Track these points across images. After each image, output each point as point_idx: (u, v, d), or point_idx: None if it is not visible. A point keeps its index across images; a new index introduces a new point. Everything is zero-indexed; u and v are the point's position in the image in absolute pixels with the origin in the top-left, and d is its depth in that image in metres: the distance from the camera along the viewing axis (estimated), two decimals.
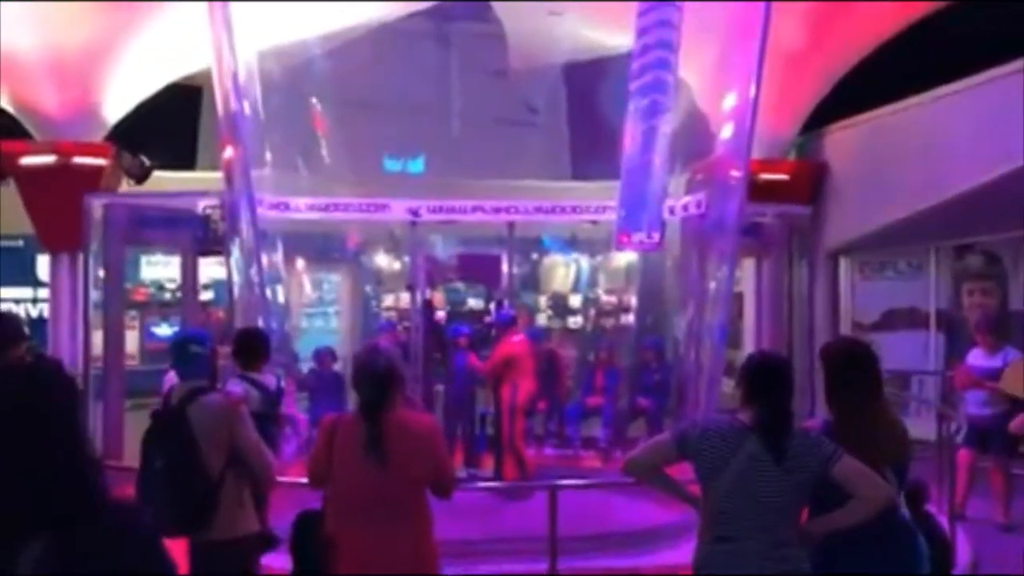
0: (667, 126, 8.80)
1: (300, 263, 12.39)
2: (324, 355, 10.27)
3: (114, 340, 8.52)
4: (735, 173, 7.89)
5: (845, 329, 11.81)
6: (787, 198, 10.69)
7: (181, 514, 3.91)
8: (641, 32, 8.85)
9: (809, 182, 11.59)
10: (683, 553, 6.55)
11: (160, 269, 15.25)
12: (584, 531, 6.03)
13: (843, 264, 12.00)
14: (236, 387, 4.67)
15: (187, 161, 15.44)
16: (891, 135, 10.78)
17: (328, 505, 3.50)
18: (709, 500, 3.11)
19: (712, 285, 7.80)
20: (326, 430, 3.50)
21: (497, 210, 9.36)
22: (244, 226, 7.67)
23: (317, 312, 14.56)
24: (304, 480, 3.73)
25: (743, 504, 3.04)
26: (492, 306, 11.01)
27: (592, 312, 14.51)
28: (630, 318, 13.55)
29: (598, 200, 10.36)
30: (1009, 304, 10.50)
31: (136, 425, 4.18)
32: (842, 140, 11.71)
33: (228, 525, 3.99)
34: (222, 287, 12.45)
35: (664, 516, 6.72)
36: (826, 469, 3.00)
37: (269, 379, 5.21)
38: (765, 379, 3.15)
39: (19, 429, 1.83)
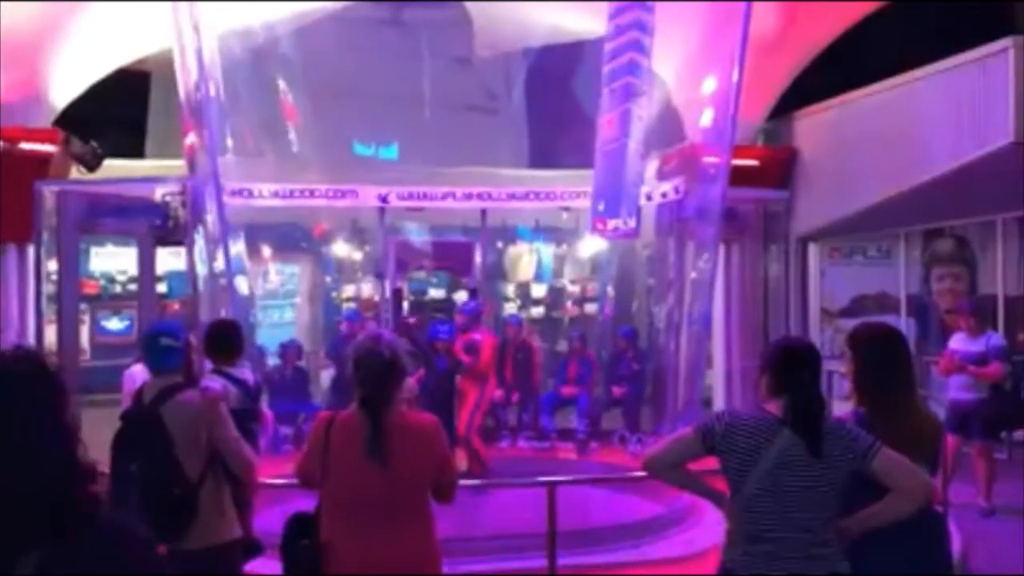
0: (641, 110, 8.64)
1: (263, 252, 12.03)
2: (289, 350, 9.96)
3: (69, 335, 8.11)
4: (715, 159, 7.75)
5: (814, 316, 11.77)
6: (757, 184, 10.60)
7: (158, 522, 3.62)
8: (615, 13, 8.68)
9: (779, 168, 11.49)
10: (671, 546, 6.49)
11: (110, 260, 14.68)
12: (572, 526, 5.83)
13: (812, 250, 11.94)
14: (214, 383, 4.37)
15: (136, 149, 14.89)
16: (861, 120, 10.72)
17: (323, 508, 3.24)
18: (738, 497, 2.91)
19: (693, 273, 7.64)
20: (321, 429, 3.23)
21: (469, 196, 9.13)
22: (210, 214, 7.33)
23: (275, 304, 14.15)
24: (285, 481, 3.47)
25: (776, 501, 2.84)
26: (465, 295, 10.76)
27: (557, 301, 14.35)
28: (594, 307, 13.45)
29: (567, 188, 10.21)
30: (979, 288, 10.53)
31: (91, 424, 3.85)
32: (811, 125, 11.62)
33: (209, 532, 3.72)
34: (177, 279, 12.05)
35: (651, 509, 6.58)
36: (865, 462, 2.82)
37: (246, 373, 4.91)
38: (793, 367, 2.95)
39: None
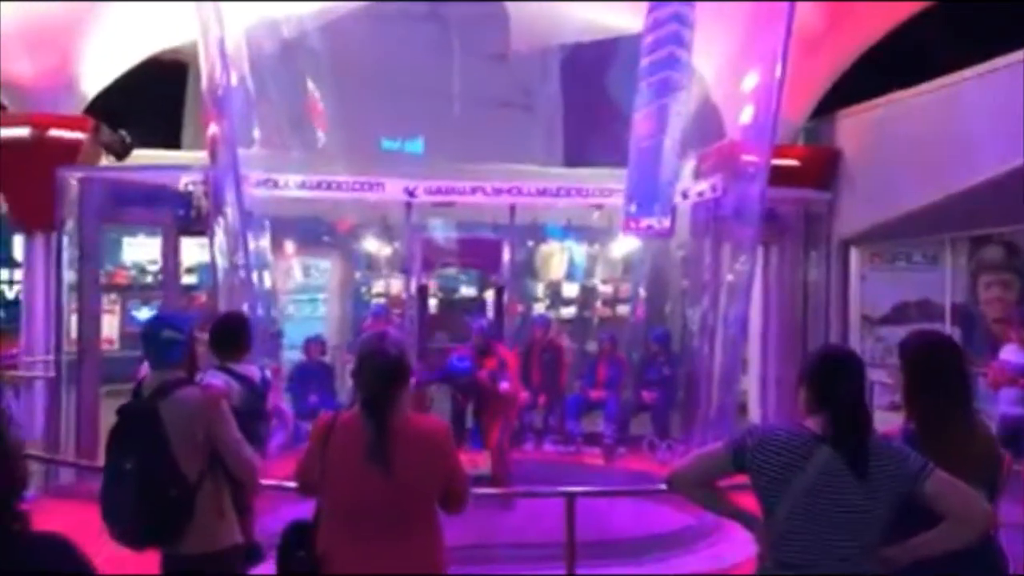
0: (680, 106, 8.36)
1: (289, 247, 11.91)
2: (313, 345, 9.80)
3: (89, 324, 7.99)
4: (755, 158, 7.45)
5: (855, 323, 11.40)
6: (797, 185, 10.28)
7: (153, 524, 3.43)
8: (655, 7, 8.41)
9: (821, 168, 11.17)
10: (698, 561, 6.21)
11: (142, 251, 14.73)
12: (594, 537, 5.59)
13: (853, 254, 11.56)
14: (216, 380, 4.17)
15: (172, 140, 14.89)
16: (906, 121, 10.35)
17: (321, 516, 3.01)
18: (772, 520, 2.64)
19: (730, 276, 7.34)
20: (321, 431, 3.00)
21: (499, 191, 8.90)
22: (229, 205, 7.18)
23: (304, 299, 14.06)
24: (292, 484, 3.25)
25: (814, 525, 2.57)
26: (491, 293, 10.52)
27: (589, 301, 14.11)
28: (626, 308, 13.17)
29: (600, 185, 9.95)
30: None
31: (113, 413, 3.69)
32: (854, 126, 11.27)
33: (207, 536, 3.51)
34: (206, 270, 11.96)
35: (678, 520, 6.30)
36: (915, 485, 2.53)
37: (253, 371, 4.69)
38: (836, 378, 2.67)
39: None
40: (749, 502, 2.80)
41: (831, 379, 2.66)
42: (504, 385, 7.83)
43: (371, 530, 2.89)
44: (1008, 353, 7.02)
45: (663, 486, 4.52)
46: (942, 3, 10.58)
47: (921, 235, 11.04)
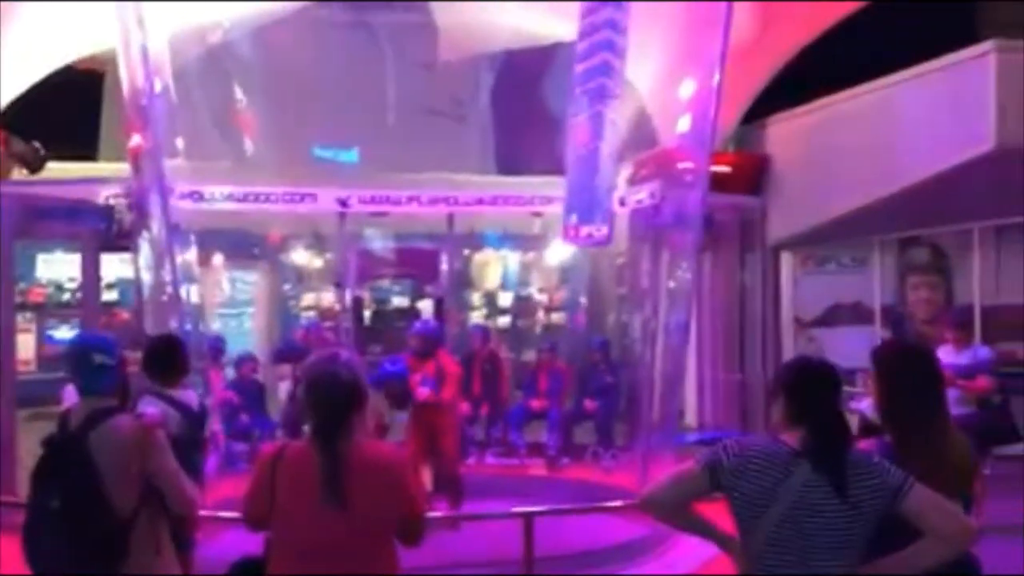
0: (615, 113, 8.33)
1: (216, 260, 11.54)
2: (245, 363, 9.48)
3: (5, 346, 7.55)
4: (693, 164, 7.45)
5: (787, 325, 11.53)
6: (729, 191, 10.35)
7: (83, 565, 3.18)
8: (587, 12, 8.37)
9: (751, 175, 11.26)
10: (653, 569, 6.14)
11: (59, 267, 14.09)
12: (547, 551, 5.46)
13: (785, 258, 11.71)
14: (151, 407, 3.91)
15: (88, 151, 14.31)
16: (835, 126, 10.50)
17: (272, 552, 2.81)
18: (751, 541, 2.54)
19: (671, 282, 7.31)
20: (267, 463, 2.79)
21: (435, 201, 8.74)
22: (154, 219, 6.86)
23: (231, 313, 13.65)
24: (229, 514, 3.04)
25: (794, 545, 2.48)
26: (429, 303, 10.35)
27: (524, 311, 14.02)
28: (561, 316, 13.12)
29: (537, 193, 9.88)
30: (955, 298, 10.33)
31: (33, 439, 3.42)
32: (783, 131, 11.40)
33: (142, 572, 3.27)
34: (128, 286, 11.50)
35: (631, 530, 6.22)
36: (896, 501, 2.46)
37: (190, 396, 4.42)
38: (813, 391, 2.59)
39: None
40: (711, 512, 2.71)
41: (810, 392, 2.58)
42: (424, 391, 7.08)
43: (326, 567, 2.70)
44: (944, 354, 7.09)
45: (616, 502, 4.44)
46: (870, 8, 10.77)
47: (850, 238, 11.23)
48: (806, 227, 10.93)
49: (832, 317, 11.43)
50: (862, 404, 3.11)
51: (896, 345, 3.12)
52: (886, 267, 11.06)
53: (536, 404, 9.64)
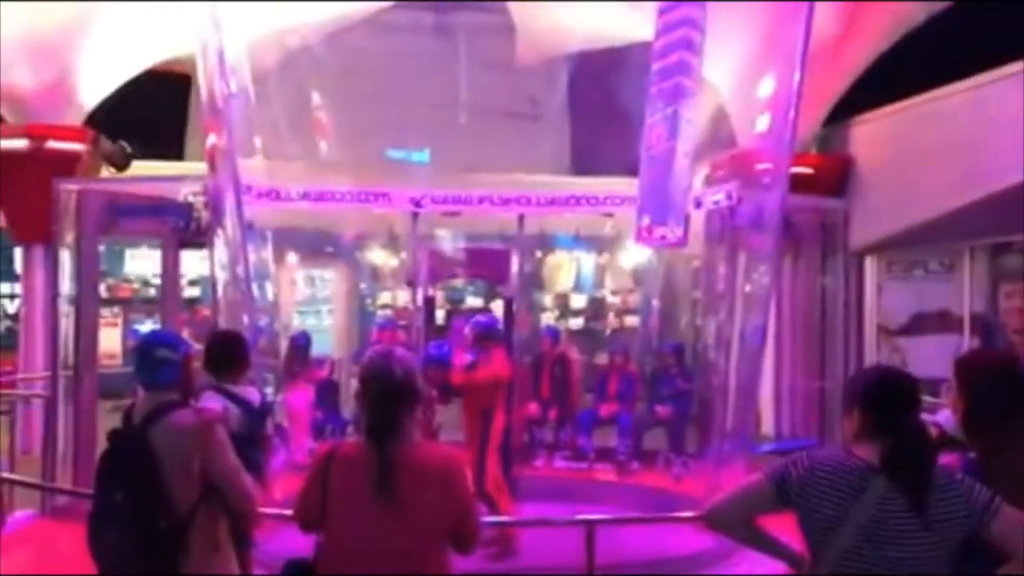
0: (691, 112, 8.14)
1: (292, 258, 11.71)
2: (320, 361, 9.58)
3: (87, 340, 7.77)
4: (772, 165, 7.23)
5: (870, 334, 11.15)
6: (811, 193, 10.05)
7: (142, 559, 3.20)
8: (664, 9, 8.20)
9: (835, 177, 10.95)
10: None
11: (145, 263, 14.54)
12: (610, 559, 5.34)
13: (868, 264, 11.32)
14: (213, 403, 3.93)
15: (175, 151, 14.72)
16: (923, 127, 10.12)
17: (322, 555, 2.77)
18: (822, 561, 2.39)
19: (747, 286, 7.10)
20: (320, 462, 2.76)
21: (507, 201, 8.68)
22: (229, 217, 6.97)
23: (309, 311, 13.87)
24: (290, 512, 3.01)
25: (868, 565, 2.33)
26: (500, 304, 10.29)
27: (598, 313, 13.89)
28: (635, 319, 12.94)
29: (611, 193, 9.74)
30: None
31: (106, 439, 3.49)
32: (869, 132, 11.05)
33: (201, 571, 3.28)
34: (209, 283, 11.76)
35: (698, 542, 6.05)
36: (981, 522, 2.29)
37: (252, 393, 4.44)
38: (893, 403, 2.43)
39: None
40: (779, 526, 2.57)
41: (890, 404, 2.42)
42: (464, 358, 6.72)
43: (377, 569, 2.65)
44: None
45: (687, 513, 4.30)
46: (958, 6, 10.37)
47: (938, 243, 10.80)
48: (891, 231, 10.57)
49: (917, 325, 11.01)
50: (939, 416, 2.92)
51: (982, 354, 2.93)
52: (976, 274, 10.60)
53: (605, 410, 9.48)
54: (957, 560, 2.34)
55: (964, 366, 2.78)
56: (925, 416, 2.49)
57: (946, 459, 2.60)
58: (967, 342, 10.33)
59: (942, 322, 10.83)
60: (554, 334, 10.19)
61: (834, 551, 2.36)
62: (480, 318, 7.36)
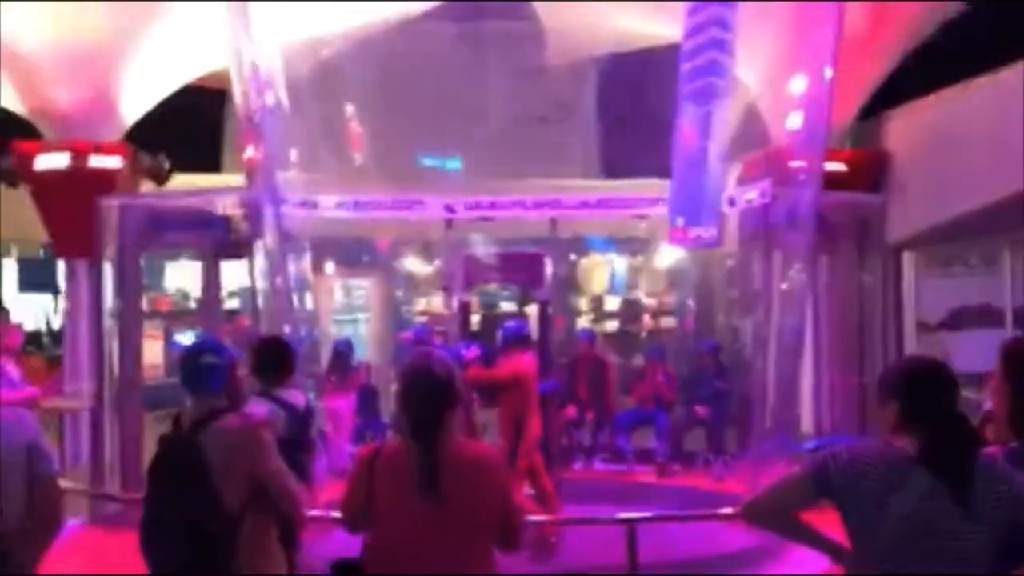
0: (723, 112, 8.14)
1: (329, 268, 11.85)
2: (359, 367, 9.69)
3: (131, 352, 7.93)
4: (806, 162, 7.21)
5: (909, 330, 11.01)
6: (846, 189, 9.97)
7: (193, 560, 3.28)
8: (693, 11, 8.21)
9: (869, 172, 10.80)
10: None
11: (186, 276, 14.76)
12: (654, 558, 5.35)
13: (906, 259, 11.18)
14: (259, 408, 4.01)
15: (212, 164, 14.95)
16: (958, 119, 9.97)
17: (369, 555, 2.83)
18: (864, 552, 2.40)
19: (783, 284, 7.08)
20: (365, 463, 2.82)
21: (539, 205, 8.73)
22: (268, 228, 7.09)
23: (347, 319, 14.02)
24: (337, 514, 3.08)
25: (911, 557, 2.33)
26: (534, 308, 10.35)
27: (632, 315, 13.87)
28: (670, 321, 12.91)
29: (643, 194, 9.75)
30: None
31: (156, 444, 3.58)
32: (903, 126, 10.91)
33: (251, 573, 3.34)
34: (249, 294, 11.93)
35: (742, 539, 6.04)
36: None
37: (297, 397, 4.52)
38: (934, 392, 2.43)
39: None
40: (823, 523, 2.57)
41: (928, 392, 2.42)
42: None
43: (424, 567, 2.70)
44: None
45: (726, 510, 4.30)
46: None
47: (978, 237, 10.64)
48: (929, 226, 10.42)
49: (957, 320, 10.85)
50: (987, 405, 2.88)
51: None
52: (1017, 267, 10.43)
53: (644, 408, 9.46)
54: (1006, 550, 2.33)
55: (1011, 351, 2.74)
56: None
57: (990, 450, 2.59)
58: (1010, 336, 10.17)
59: (983, 317, 10.66)
60: (590, 337, 10.22)
61: (876, 542, 2.36)
62: (510, 323, 7.45)
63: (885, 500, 2.35)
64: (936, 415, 2.39)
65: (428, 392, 2.75)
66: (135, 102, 10.46)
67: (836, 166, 10.44)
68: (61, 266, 11.79)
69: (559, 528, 6.41)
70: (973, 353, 10.09)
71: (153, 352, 12.86)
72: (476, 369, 6.78)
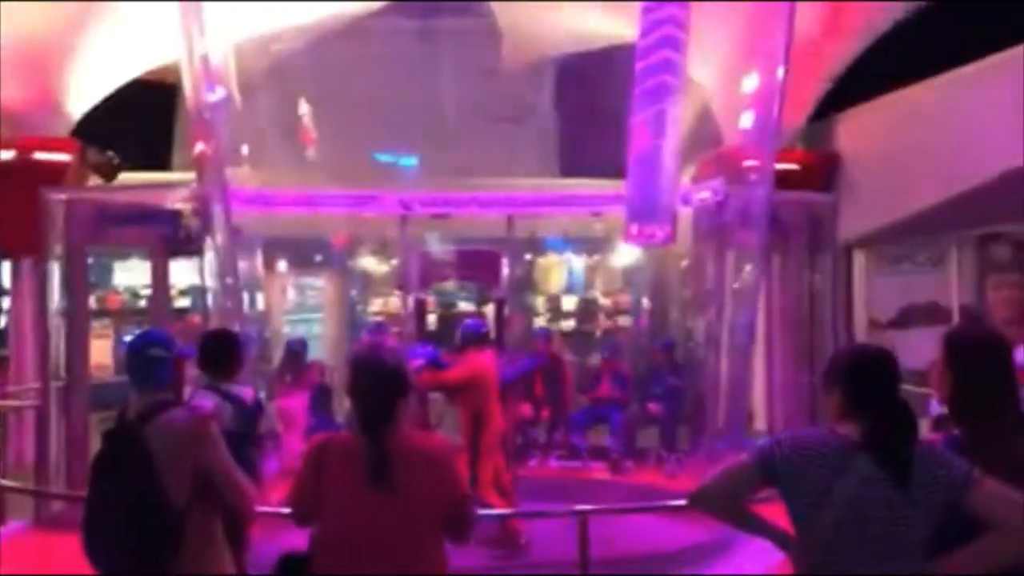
0: (677, 110, 8.19)
1: (282, 267, 11.72)
2: (312, 367, 9.59)
3: (78, 351, 7.76)
4: (757, 162, 7.29)
5: (860, 328, 11.19)
6: (798, 189, 10.11)
7: (138, 556, 3.21)
8: (647, 10, 8.25)
9: (821, 172, 11.00)
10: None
11: (134, 274, 14.49)
12: (606, 554, 5.36)
13: (857, 258, 11.38)
14: (205, 401, 3.95)
15: (162, 161, 14.71)
16: (908, 121, 10.18)
17: (318, 547, 2.79)
18: (808, 538, 2.42)
19: (735, 283, 7.15)
20: (314, 454, 2.78)
21: (495, 202, 8.72)
22: (218, 225, 6.98)
23: (300, 319, 13.87)
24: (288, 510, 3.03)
25: (855, 542, 2.36)
26: (491, 307, 10.35)
27: (589, 314, 13.93)
28: (627, 320, 12.99)
29: (598, 192, 9.79)
30: None
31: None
32: (854, 127, 11.11)
33: (197, 569, 3.28)
34: (200, 292, 11.76)
35: (691, 535, 6.09)
36: (961, 494, 2.32)
37: (245, 391, 4.46)
38: (875, 378, 2.46)
39: None
40: (772, 512, 2.60)
41: (870, 379, 2.46)
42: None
43: (372, 560, 2.67)
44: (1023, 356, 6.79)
45: (677, 502, 4.32)
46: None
47: (926, 236, 10.86)
48: (879, 225, 10.62)
49: (906, 318, 11.07)
50: (934, 406, 2.93)
51: (972, 330, 2.94)
52: (964, 266, 10.67)
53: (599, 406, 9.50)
54: (948, 534, 2.36)
55: (954, 340, 2.79)
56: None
57: (930, 437, 2.63)
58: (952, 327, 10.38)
59: (931, 314, 10.89)
60: (547, 335, 10.23)
61: (820, 528, 2.38)
62: (468, 321, 7.42)
63: (829, 486, 2.38)
64: (879, 402, 2.42)
65: (378, 383, 2.73)
66: (82, 97, 10.27)
67: (788, 166, 10.60)
68: (6, 265, 11.54)
69: (526, 530, 6.40)
70: (921, 350, 10.29)
71: (101, 351, 12.62)
72: (426, 375, 6.61)
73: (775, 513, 2.59)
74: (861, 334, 11.17)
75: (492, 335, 8.37)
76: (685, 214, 8.75)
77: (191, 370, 4.32)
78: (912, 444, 2.38)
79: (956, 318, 10.52)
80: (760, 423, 10.62)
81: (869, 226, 10.74)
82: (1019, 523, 2.32)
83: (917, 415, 2.47)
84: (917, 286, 11.22)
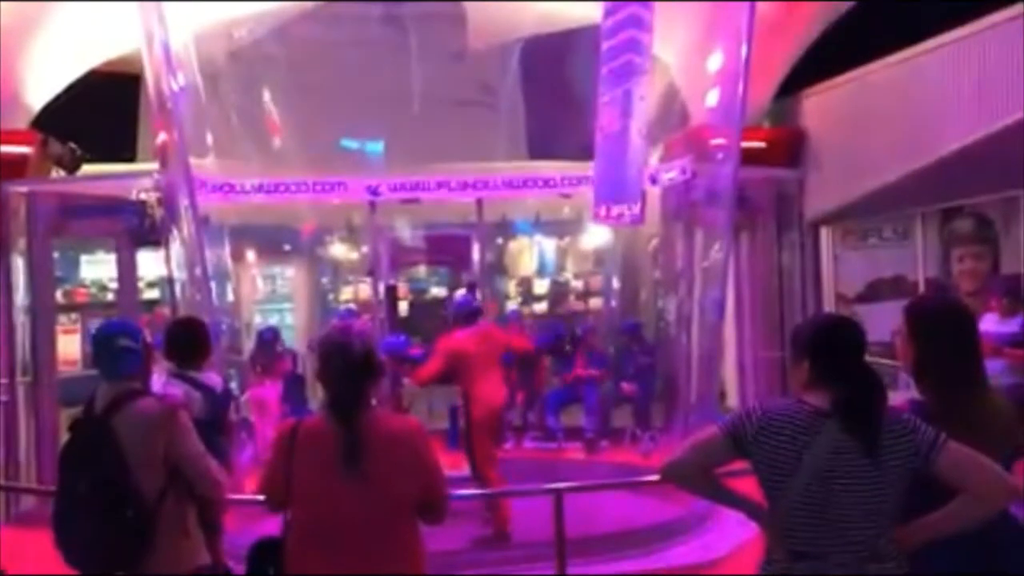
0: (643, 90, 8.21)
1: (251, 256, 11.62)
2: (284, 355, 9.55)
3: (45, 346, 7.67)
4: (724, 140, 7.32)
5: (828, 303, 11.30)
6: (765, 166, 10.17)
7: (110, 548, 3.19)
8: None
9: (787, 149, 11.04)
10: (688, 552, 6.05)
11: (101, 268, 14.30)
12: (582, 533, 5.40)
13: (824, 234, 11.47)
14: (175, 389, 3.92)
15: (126, 152, 14.50)
16: (872, 97, 10.24)
17: (291, 532, 2.78)
18: (778, 507, 2.45)
19: (704, 262, 7.20)
20: (284, 438, 2.77)
21: (464, 186, 8.69)
22: (184, 215, 6.90)
23: (271, 309, 13.77)
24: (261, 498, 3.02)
25: (823, 510, 2.39)
26: (460, 292, 10.32)
27: (560, 297, 13.96)
28: (598, 301, 13.03)
29: (567, 174, 9.79)
30: (1002, 268, 10.03)
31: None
32: (819, 104, 11.15)
33: (170, 558, 3.27)
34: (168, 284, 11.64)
35: (666, 511, 6.14)
36: (928, 459, 2.36)
37: (214, 379, 4.43)
38: (839, 349, 2.49)
39: None
40: (746, 487, 2.63)
41: (836, 349, 2.48)
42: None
43: (346, 544, 2.67)
44: (988, 323, 6.91)
45: (651, 477, 4.36)
46: None
47: (891, 211, 10.97)
48: (845, 201, 10.69)
49: (873, 292, 11.18)
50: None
51: (934, 304, 2.99)
52: (929, 239, 10.77)
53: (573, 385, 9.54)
54: (915, 499, 2.40)
55: (915, 309, 2.83)
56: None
57: (896, 403, 2.67)
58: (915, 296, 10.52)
59: (897, 288, 10.99)
60: (518, 318, 10.25)
61: (790, 497, 2.41)
62: (459, 298, 7.40)
63: (798, 455, 2.41)
64: (846, 371, 2.45)
65: (348, 366, 2.72)
66: (41, 88, 10.08)
67: (755, 144, 10.66)
68: None
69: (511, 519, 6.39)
70: (887, 323, 10.42)
71: (69, 346, 12.46)
72: (418, 372, 6.62)
73: (748, 487, 2.62)
74: (830, 309, 11.28)
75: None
76: (654, 193, 8.80)
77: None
78: (880, 412, 2.41)
79: (922, 291, 10.64)
80: (732, 399, 10.72)
81: (835, 202, 10.81)
82: (987, 487, 2.37)
83: (887, 387, 2.51)
84: (884, 260, 11.31)
